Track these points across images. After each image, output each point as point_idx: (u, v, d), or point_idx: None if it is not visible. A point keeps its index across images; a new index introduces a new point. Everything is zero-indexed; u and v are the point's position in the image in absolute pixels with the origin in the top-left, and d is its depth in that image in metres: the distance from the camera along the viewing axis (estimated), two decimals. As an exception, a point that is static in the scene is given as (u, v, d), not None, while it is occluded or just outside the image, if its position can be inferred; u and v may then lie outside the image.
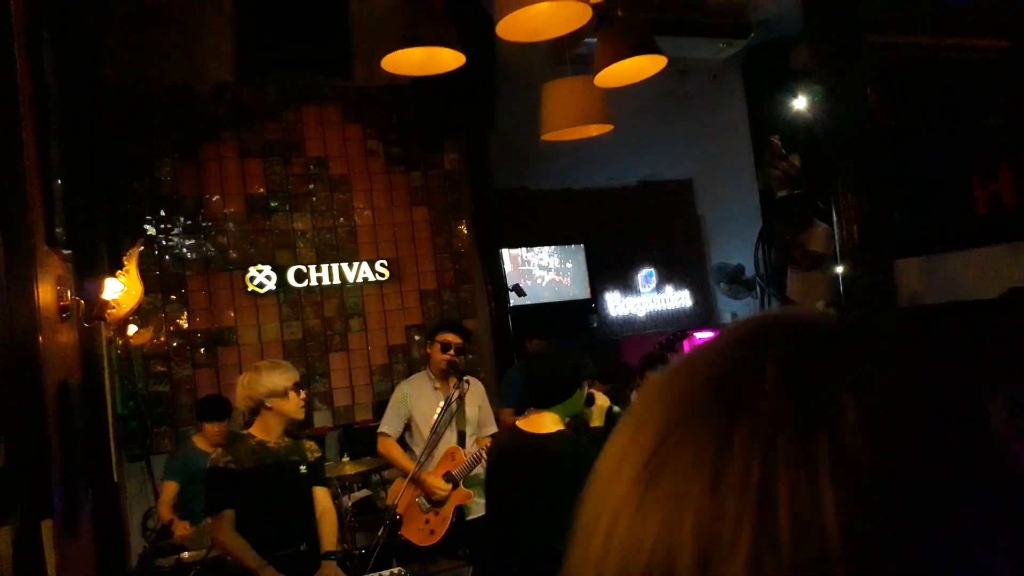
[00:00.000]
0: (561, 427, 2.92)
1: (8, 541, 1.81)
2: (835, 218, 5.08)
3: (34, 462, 2.08)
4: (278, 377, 3.18)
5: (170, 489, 4.44)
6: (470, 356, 4.26)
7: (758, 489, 0.34)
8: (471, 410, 4.07)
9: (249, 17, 5.08)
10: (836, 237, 5.10)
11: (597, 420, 3.16)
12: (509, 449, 3.02)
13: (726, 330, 0.43)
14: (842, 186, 5.01)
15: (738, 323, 0.43)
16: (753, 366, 0.38)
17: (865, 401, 0.35)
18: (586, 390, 3.05)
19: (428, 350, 4.25)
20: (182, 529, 4.12)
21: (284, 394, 3.19)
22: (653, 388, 0.42)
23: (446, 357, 4.12)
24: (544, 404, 2.96)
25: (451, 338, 4.13)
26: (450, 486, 3.98)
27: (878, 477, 0.33)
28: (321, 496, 3.36)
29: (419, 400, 4.18)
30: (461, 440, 4.11)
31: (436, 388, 4.19)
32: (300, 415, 3.31)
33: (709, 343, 0.43)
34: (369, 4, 5.35)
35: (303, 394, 3.29)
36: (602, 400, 3.20)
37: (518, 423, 3.01)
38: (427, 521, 3.94)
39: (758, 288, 8.12)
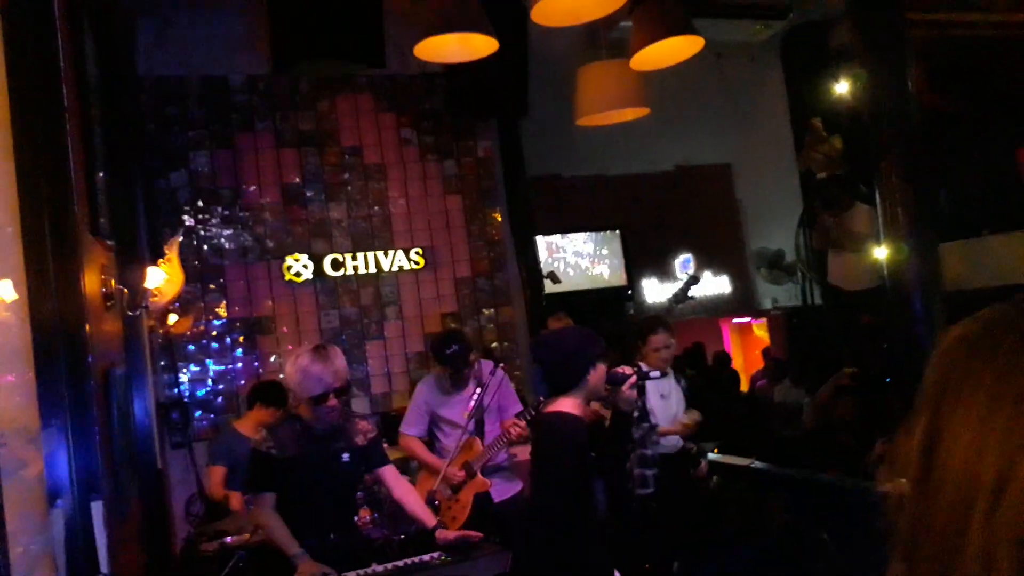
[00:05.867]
0: (571, 409, 2.85)
1: (62, 520, 1.85)
2: (878, 201, 4.97)
3: (83, 446, 2.12)
4: (309, 382, 2.97)
5: (218, 473, 4.47)
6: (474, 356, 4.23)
7: None
8: (488, 398, 4.07)
9: (282, 7, 5.09)
10: (880, 220, 4.99)
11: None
12: (533, 432, 3.04)
13: None
14: (885, 168, 4.90)
15: None
16: None
17: None
18: (602, 373, 2.93)
19: (436, 369, 4.24)
20: (237, 501, 4.15)
21: (307, 402, 3.01)
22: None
23: (457, 378, 4.13)
24: (556, 391, 2.91)
25: (450, 367, 4.10)
26: (464, 474, 4.01)
27: None
28: (390, 476, 3.26)
29: (439, 398, 4.21)
30: (479, 429, 4.12)
31: (454, 387, 4.20)
32: (320, 425, 3.06)
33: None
34: (402, -9, 5.34)
35: (332, 401, 2.98)
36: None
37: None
38: (449, 508, 3.99)
39: (799, 273, 8.00)
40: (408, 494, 3.28)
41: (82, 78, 3.06)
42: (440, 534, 3.12)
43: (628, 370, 3.16)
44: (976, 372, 0.50)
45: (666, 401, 4.39)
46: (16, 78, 2.10)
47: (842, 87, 6.79)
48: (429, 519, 3.21)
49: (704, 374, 7.63)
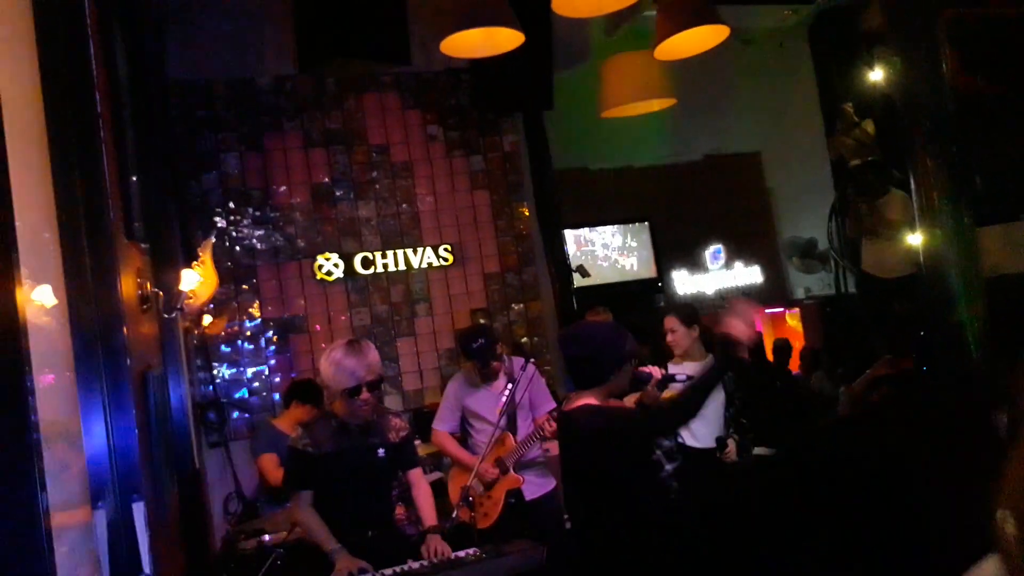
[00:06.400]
0: (591, 400, 2.82)
1: (104, 522, 1.89)
2: (913, 185, 4.88)
3: (122, 448, 2.15)
4: (342, 375, 3.00)
5: (270, 459, 4.42)
6: (503, 355, 4.23)
7: None
8: (519, 394, 4.06)
9: (307, 7, 5.13)
10: (915, 205, 4.90)
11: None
12: (559, 430, 3.03)
13: None
14: (920, 152, 4.81)
15: None
16: None
17: None
18: (628, 373, 2.90)
19: (467, 363, 4.25)
20: None
21: (341, 395, 3.05)
22: None
23: (486, 371, 4.13)
24: (582, 385, 2.88)
25: (478, 363, 4.10)
26: (498, 471, 4.01)
27: None
28: (414, 478, 3.33)
29: (470, 394, 4.21)
30: (511, 424, 4.12)
31: (484, 380, 4.20)
32: (354, 419, 3.10)
33: None
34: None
35: (365, 395, 3.02)
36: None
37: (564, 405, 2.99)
38: (481, 504, 4.00)
39: (832, 261, 7.89)
40: (423, 496, 3.32)
41: (113, 84, 3.10)
42: (428, 541, 3.14)
43: (654, 370, 3.14)
44: None
45: None
46: (50, 86, 2.13)
47: (873, 72, 6.66)
48: (430, 521, 3.24)
49: (762, 366, 7.45)
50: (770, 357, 7.70)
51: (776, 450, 4.87)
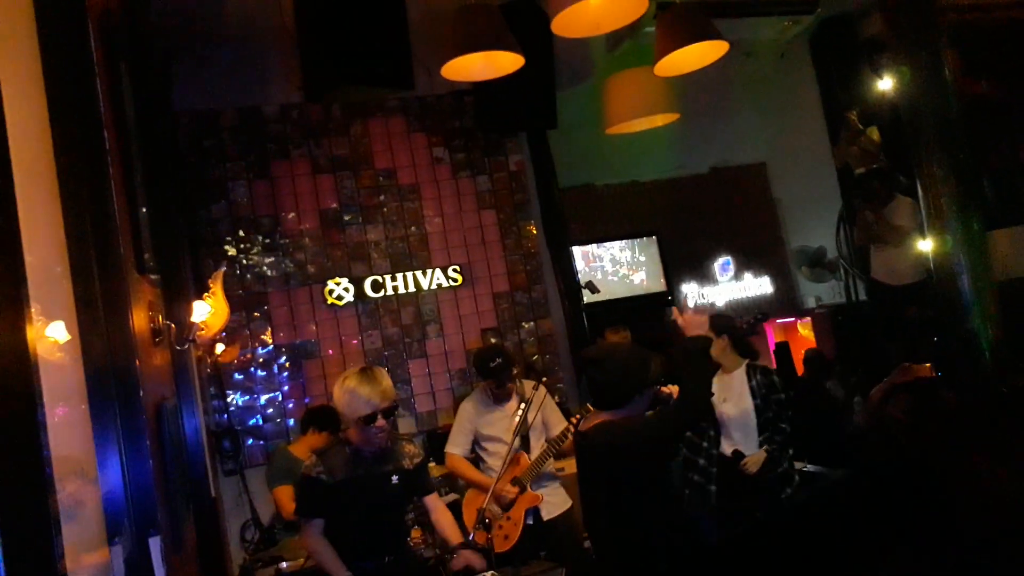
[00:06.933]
0: (608, 419, 2.84)
1: (121, 558, 1.89)
2: (920, 191, 4.87)
3: (138, 483, 2.16)
4: (357, 403, 3.02)
5: (285, 492, 4.43)
6: (516, 373, 4.28)
7: None
8: (532, 414, 4.07)
9: (311, 37, 5.18)
10: (923, 211, 4.88)
11: None
12: (576, 449, 3.06)
13: None
14: (925, 158, 4.80)
15: None
16: None
17: None
18: (649, 397, 2.92)
19: (481, 384, 4.30)
20: None
21: (356, 423, 3.06)
22: None
23: (501, 392, 4.17)
24: (601, 407, 2.90)
25: (494, 382, 4.14)
26: (517, 489, 4.01)
27: None
28: (431, 503, 3.35)
29: (483, 415, 4.23)
30: (525, 444, 4.13)
31: (497, 401, 4.23)
32: (369, 447, 3.12)
33: None
34: (427, 13, 5.39)
35: (381, 422, 3.03)
36: None
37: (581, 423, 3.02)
38: (500, 527, 3.98)
39: (842, 270, 7.86)
40: (444, 519, 3.33)
41: (121, 118, 3.13)
42: (460, 555, 3.14)
43: (674, 390, 3.14)
44: None
45: (727, 404, 4.35)
46: (58, 123, 2.16)
47: (877, 79, 6.67)
48: (456, 539, 3.24)
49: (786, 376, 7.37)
50: (799, 368, 7.65)
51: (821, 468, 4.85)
